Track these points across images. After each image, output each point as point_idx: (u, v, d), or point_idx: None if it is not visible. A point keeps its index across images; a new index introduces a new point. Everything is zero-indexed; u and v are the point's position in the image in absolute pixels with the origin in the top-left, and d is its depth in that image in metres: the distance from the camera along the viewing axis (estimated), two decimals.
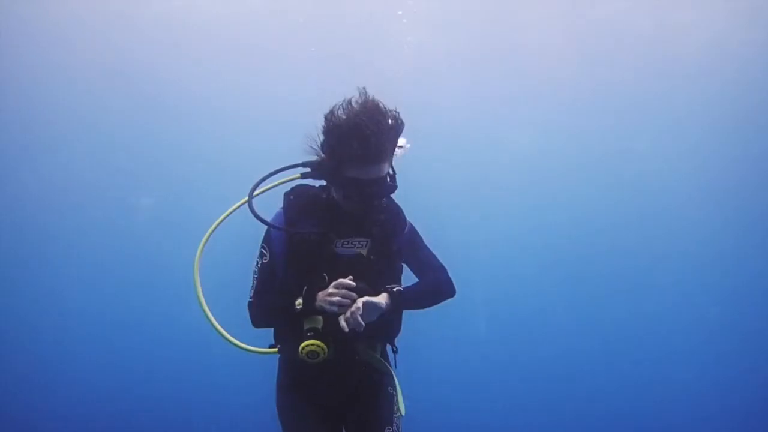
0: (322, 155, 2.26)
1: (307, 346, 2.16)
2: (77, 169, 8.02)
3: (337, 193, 2.29)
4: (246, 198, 2.34)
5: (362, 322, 2.12)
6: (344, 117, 2.09)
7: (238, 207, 2.45)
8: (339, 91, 2.19)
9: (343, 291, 2.16)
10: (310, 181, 2.42)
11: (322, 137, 2.21)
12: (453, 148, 7.99)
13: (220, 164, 8.08)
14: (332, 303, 2.15)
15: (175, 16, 8.25)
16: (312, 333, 2.19)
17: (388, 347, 2.58)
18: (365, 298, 2.17)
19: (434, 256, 2.60)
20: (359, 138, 2.05)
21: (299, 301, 2.21)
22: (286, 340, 2.38)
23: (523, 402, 7.00)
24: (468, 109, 8.45)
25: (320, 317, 2.22)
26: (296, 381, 2.48)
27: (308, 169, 2.31)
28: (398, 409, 2.48)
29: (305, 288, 2.25)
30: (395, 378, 2.51)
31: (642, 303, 7.86)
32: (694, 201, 8.19)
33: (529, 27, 8.76)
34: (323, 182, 2.41)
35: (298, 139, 2.27)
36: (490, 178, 8.46)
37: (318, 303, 2.19)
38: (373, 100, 2.12)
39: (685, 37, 8.40)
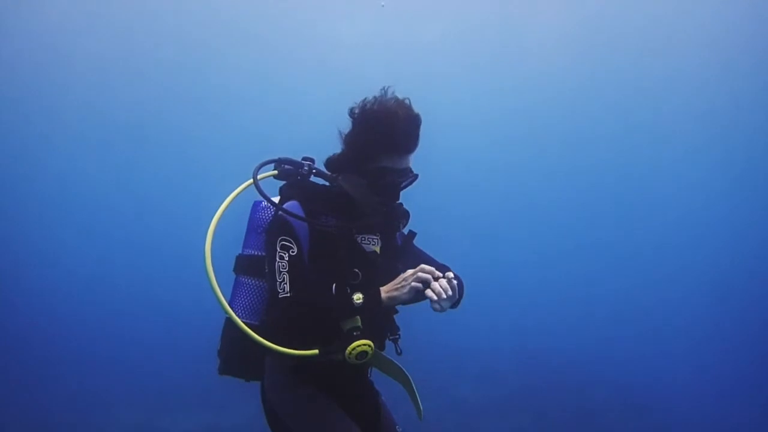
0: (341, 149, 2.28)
1: (358, 346, 2.09)
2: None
3: (354, 187, 2.25)
4: (251, 180, 2.28)
5: (454, 294, 2.10)
6: (391, 109, 2.14)
7: (241, 191, 2.31)
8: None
9: (429, 268, 2.13)
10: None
11: (348, 130, 2.25)
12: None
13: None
14: (419, 279, 2.09)
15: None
16: (358, 333, 2.12)
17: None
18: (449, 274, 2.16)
19: (431, 256, 2.58)
20: (412, 128, 2.18)
21: (358, 295, 2.10)
22: (322, 341, 2.16)
23: None
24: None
25: (358, 317, 2.14)
26: (315, 377, 2.33)
27: (291, 167, 2.36)
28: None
29: (336, 284, 2.16)
30: (410, 378, 2.42)
31: None
32: None
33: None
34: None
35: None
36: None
37: (389, 294, 2.12)
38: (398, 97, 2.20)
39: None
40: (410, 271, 2.14)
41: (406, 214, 2.38)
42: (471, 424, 6.09)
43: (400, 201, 2.34)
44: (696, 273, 9.04)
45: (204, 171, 8.80)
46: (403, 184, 2.27)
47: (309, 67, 9.16)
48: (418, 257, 2.49)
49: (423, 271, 2.12)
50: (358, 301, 2.10)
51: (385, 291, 2.14)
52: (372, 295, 2.12)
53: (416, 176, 2.29)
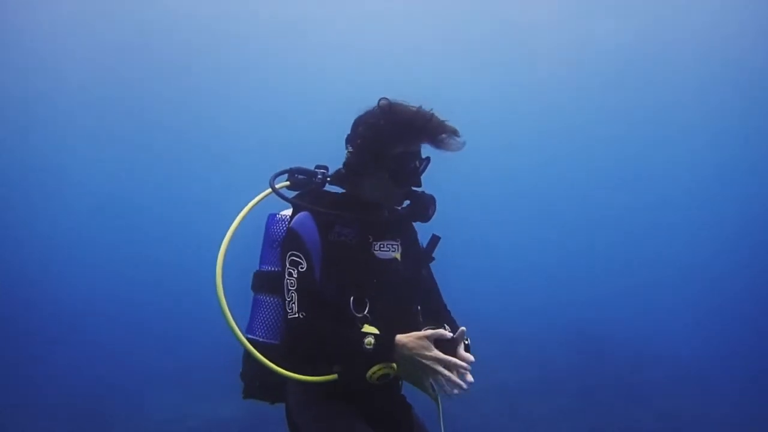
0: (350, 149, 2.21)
1: (379, 370, 1.94)
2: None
3: (373, 185, 2.18)
4: (268, 190, 2.22)
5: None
6: (404, 103, 2.12)
7: (257, 202, 2.24)
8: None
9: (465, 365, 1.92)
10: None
11: (353, 132, 2.20)
12: None
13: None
14: (454, 387, 1.89)
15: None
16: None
17: None
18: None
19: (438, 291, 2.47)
20: (427, 115, 2.09)
21: (369, 340, 1.93)
22: (341, 362, 2.07)
23: None
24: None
25: (374, 329, 2.03)
26: (341, 394, 2.19)
27: (303, 176, 2.28)
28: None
29: (362, 320, 2.06)
30: (439, 397, 2.25)
31: None
32: None
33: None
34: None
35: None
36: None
37: (410, 353, 1.90)
38: None
39: None
40: (444, 359, 1.89)
41: (432, 200, 2.23)
42: (512, 407, 6.04)
43: (422, 188, 2.22)
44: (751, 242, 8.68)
45: (217, 168, 8.84)
46: (422, 167, 2.20)
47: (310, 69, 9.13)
48: (426, 288, 2.37)
49: (466, 368, 1.92)
50: (369, 347, 1.92)
51: (404, 345, 1.92)
52: (384, 345, 1.93)
53: (428, 159, 2.22)
